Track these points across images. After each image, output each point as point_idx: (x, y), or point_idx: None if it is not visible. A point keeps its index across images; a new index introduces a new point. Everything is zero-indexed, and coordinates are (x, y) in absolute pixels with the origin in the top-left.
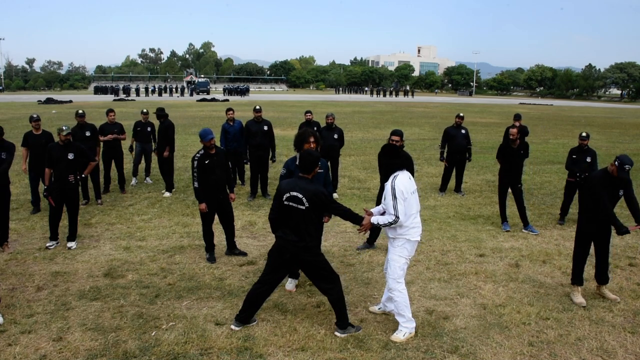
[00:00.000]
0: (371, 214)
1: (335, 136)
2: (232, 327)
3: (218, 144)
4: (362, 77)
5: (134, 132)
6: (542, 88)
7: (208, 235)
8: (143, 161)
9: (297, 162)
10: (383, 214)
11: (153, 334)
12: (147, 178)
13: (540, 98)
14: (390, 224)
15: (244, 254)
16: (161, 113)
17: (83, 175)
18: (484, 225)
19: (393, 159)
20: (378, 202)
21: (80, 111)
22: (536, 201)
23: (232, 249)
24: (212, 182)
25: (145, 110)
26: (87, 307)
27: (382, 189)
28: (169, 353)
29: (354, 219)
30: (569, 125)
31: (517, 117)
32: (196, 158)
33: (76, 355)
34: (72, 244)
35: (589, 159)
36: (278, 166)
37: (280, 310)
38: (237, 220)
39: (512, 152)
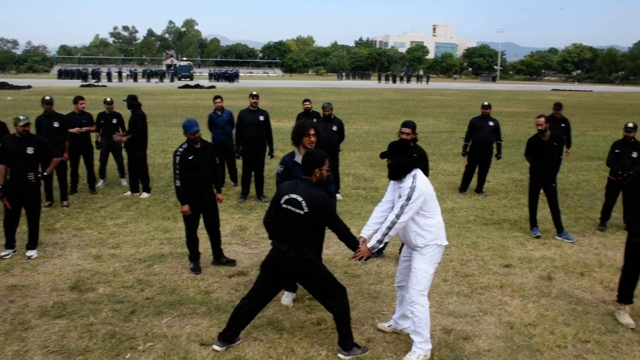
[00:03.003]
0: (365, 240)
1: (334, 128)
2: (215, 347)
3: (207, 137)
4: (368, 60)
5: (97, 125)
6: (579, 71)
7: (192, 242)
8: (112, 159)
9: (300, 162)
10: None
11: (128, 356)
12: (123, 180)
13: (577, 83)
14: (389, 229)
15: (233, 263)
16: (133, 102)
17: (45, 173)
18: (510, 231)
19: (404, 158)
20: None
21: (48, 97)
22: (572, 203)
23: (218, 258)
24: (196, 180)
25: (109, 100)
26: (49, 326)
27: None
28: None
29: (351, 243)
30: (612, 115)
31: (558, 106)
32: (178, 153)
33: None
34: (32, 253)
35: (635, 155)
36: (274, 163)
37: (275, 328)
38: (225, 224)
39: (543, 146)
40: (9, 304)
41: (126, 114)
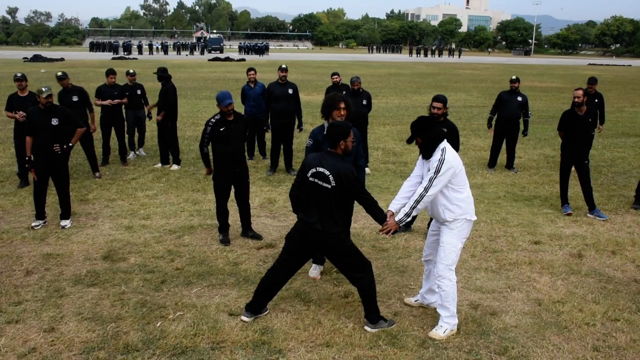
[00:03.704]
0: (393, 214)
1: (364, 102)
2: (243, 317)
3: (239, 109)
4: (399, 33)
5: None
6: (618, 45)
7: (222, 213)
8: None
9: (325, 134)
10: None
11: (158, 324)
12: (140, 149)
13: (616, 57)
14: (417, 202)
15: (259, 237)
16: (163, 74)
17: (71, 145)
18: (541, 208)
19: (430, 131)
20: None
21: (60, 73)
22: (605, 181)
23: (246, 231)
24: (227, 153)
25: (131, 71)
26: (83, 293)
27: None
28: (175, 347)
29: (378, 216)
30: None
31: (592, 80)
32: (210, 123)
33: (70, 348)
34: (66, 223)
35: None
36: (303, 136)
37: (303, 300)
38: (254, 197)
39: (577, 121)
40: (45, 271)
41: (155, 86)
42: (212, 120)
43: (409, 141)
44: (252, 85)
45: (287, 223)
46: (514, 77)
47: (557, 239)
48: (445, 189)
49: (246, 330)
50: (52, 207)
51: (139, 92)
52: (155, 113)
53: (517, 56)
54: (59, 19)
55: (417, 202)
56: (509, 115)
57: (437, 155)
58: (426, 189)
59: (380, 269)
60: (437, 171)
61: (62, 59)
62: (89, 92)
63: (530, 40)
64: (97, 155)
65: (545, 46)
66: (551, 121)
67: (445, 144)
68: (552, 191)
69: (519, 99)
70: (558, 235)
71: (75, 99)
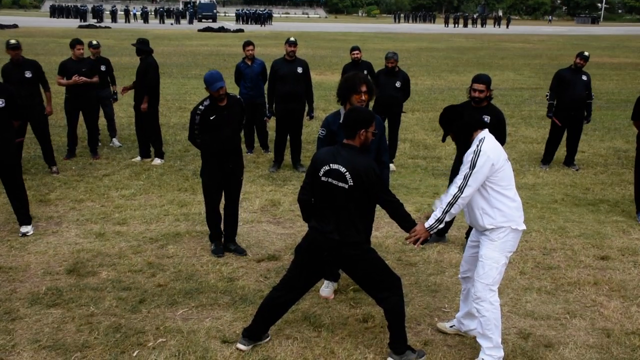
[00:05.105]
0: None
1: (398, 84)
2: (239, 345)
3: (234, 91)
4: None
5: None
6: None
7: (213, 218)
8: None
9: (342, 121)
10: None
11: (135, 354)
12: (114, 139)
13: None
14: (451, 205)
15: (243, 253)
16: (143, 47)
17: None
18: (609, 215)
19: (458, 121)
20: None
21: (13, 41)
22: None
23: (228, 242)
24: (219, 145)
25: (95, 43)
26: (41, 316)
27: (459, 160)
28: None
29: (405, 222)
30: None
31: None
32: (199, 112)
33: None
34: (27, 229)
35: None
36: (314, 125)
37: (312, 325)
38: (255, 198)
39: None
40: None
41: (133, 62)
42: (201, 107)
43: (444, 139)
44: (250, 63)
45: (294, 230)
46: (586, 53)
47: (630, 254)
48: (483, 189)
49: None
50: (2, 210)
51: (103, 68)
52: (133, 97)
53: (582, 25)
54: None
55: (451, 205)
56: (574, 99)
57: (472, 146)
58: (460, 189)
59: (408, 288)
60: (472, 165)
61: (15, 26)
62: (51, 68)
63: (599, 5)
64: (60, 145)
65: (620, 11)
66: (624, 106)
67: (485, 133)
68: (625, 194)
69: (584, 78)
70: (632, 249)
71: (28, 74)
